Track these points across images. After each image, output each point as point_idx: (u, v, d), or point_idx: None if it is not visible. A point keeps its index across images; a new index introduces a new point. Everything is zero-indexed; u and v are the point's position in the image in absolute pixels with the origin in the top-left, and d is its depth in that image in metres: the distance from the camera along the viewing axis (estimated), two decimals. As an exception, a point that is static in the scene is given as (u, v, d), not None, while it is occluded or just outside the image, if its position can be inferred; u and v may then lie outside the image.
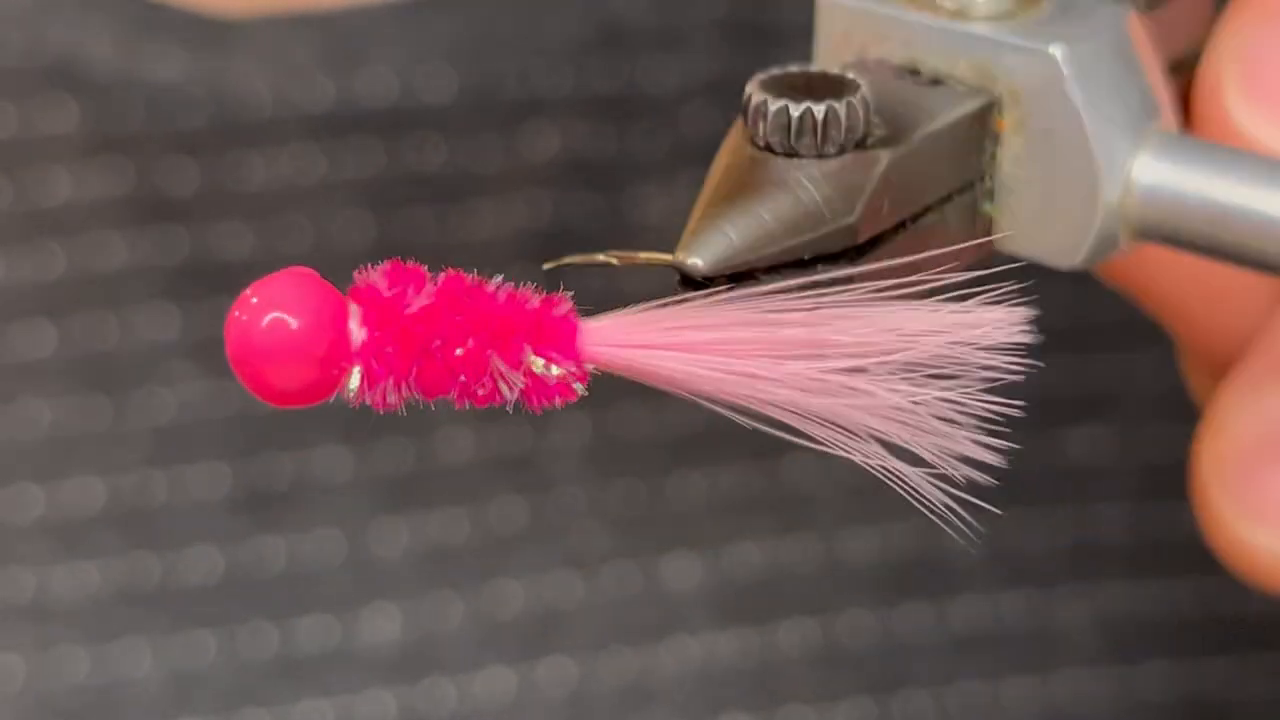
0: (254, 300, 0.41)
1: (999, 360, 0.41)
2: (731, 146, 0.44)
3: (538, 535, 0.65)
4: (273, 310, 0.40)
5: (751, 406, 0.41)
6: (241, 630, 0.64)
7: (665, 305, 0.41)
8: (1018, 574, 0.66)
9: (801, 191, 0.43)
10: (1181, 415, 0.67)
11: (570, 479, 0.65)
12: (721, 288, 0.42)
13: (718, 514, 0.65)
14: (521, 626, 0.64)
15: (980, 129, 0.46)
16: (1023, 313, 0.42)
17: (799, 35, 0.70)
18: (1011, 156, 0.46)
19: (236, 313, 0.40)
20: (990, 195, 0.47)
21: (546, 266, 0.43)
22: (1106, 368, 0.68)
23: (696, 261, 0.42)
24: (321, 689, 0.64)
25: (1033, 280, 0.66)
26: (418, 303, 0.41)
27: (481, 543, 0.65)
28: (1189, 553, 0.66)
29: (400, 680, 0.64)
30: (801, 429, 0.41)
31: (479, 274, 0.67)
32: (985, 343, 0.41)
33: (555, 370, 0.41)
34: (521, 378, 0.41)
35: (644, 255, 0.43)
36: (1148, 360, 0.68)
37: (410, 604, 0.64)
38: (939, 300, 0.41)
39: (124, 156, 0.67)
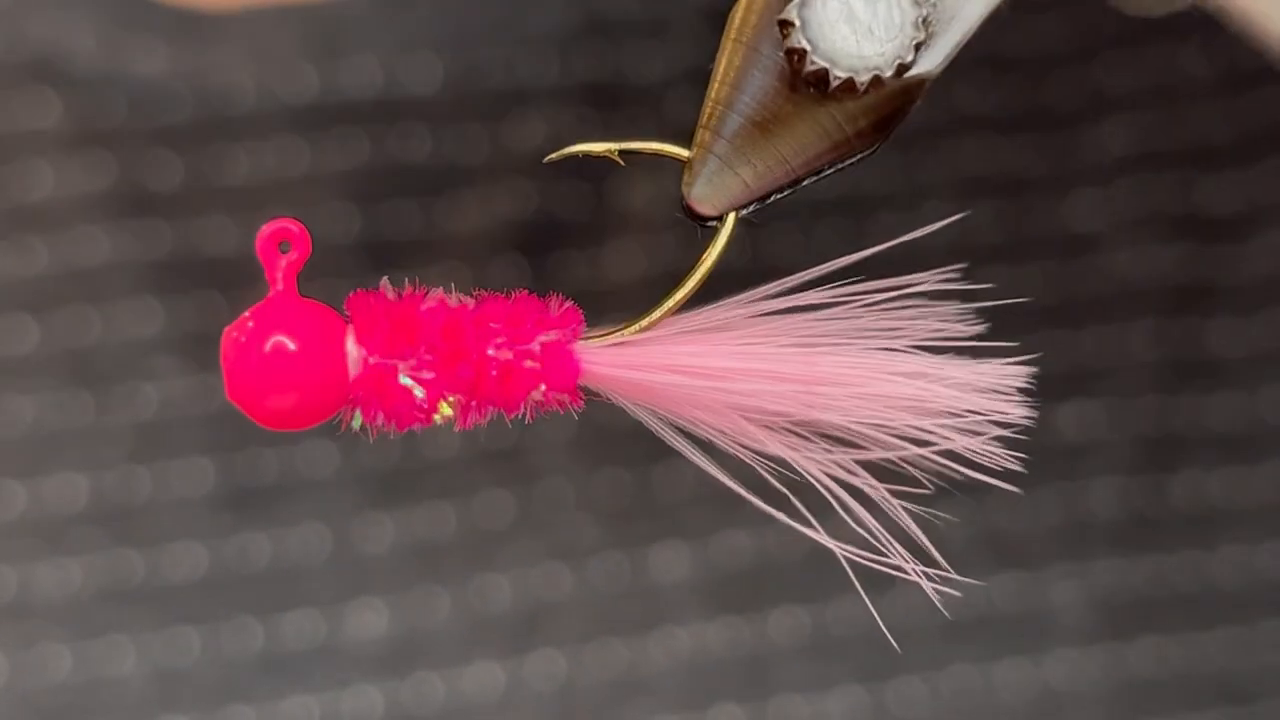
0: (251, 323, 0.40)
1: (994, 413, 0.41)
2: (757, 34, 0.41)
3: (524, 528, 0.64)
4: (274, 334, 0.40)
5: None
6: (226, 626, 0.64)
7: (664, 323, 0.41)
8: (1007, 556, 0.65)
9: (834, 130, 0.40)
10: (1170, 386, 0.67)
11: (556, 471, 0.65)
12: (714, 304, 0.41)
13: (705, 503, 0.65)
14: (509, 620, 0.64)
15: None
16: (1023, 370, 0.41)
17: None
18: None
19: (234, 334, 0.40)
20: None
21: (548, 159, 0.42)
22: (1094, 342, 0.67)
23: (704, 204, 0.41)
24: (307, 685, 0.63)
25: (1019, 257, 0.66)
26: (421, 371, 0.40)
27: (468, 537, 0.65)
28: (1180, 526, 0.66)
29: (387, 676, 0.63)
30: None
31: (465, 265, 0.67)
32: (982, 397, 0.41)
33: (554, 401, 0.41)
34: (523, 411, 0.41)
35: (650, 145, 0.41)
36: (1135, 333, 0.67)
37: (397, 599, 0.64)
38: (936, 346, 0.41)
39: (106, 151, 0.67)
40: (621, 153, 0.42)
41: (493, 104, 0.67)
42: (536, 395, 0.41)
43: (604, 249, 0.67)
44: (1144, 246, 0.67)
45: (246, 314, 0.40)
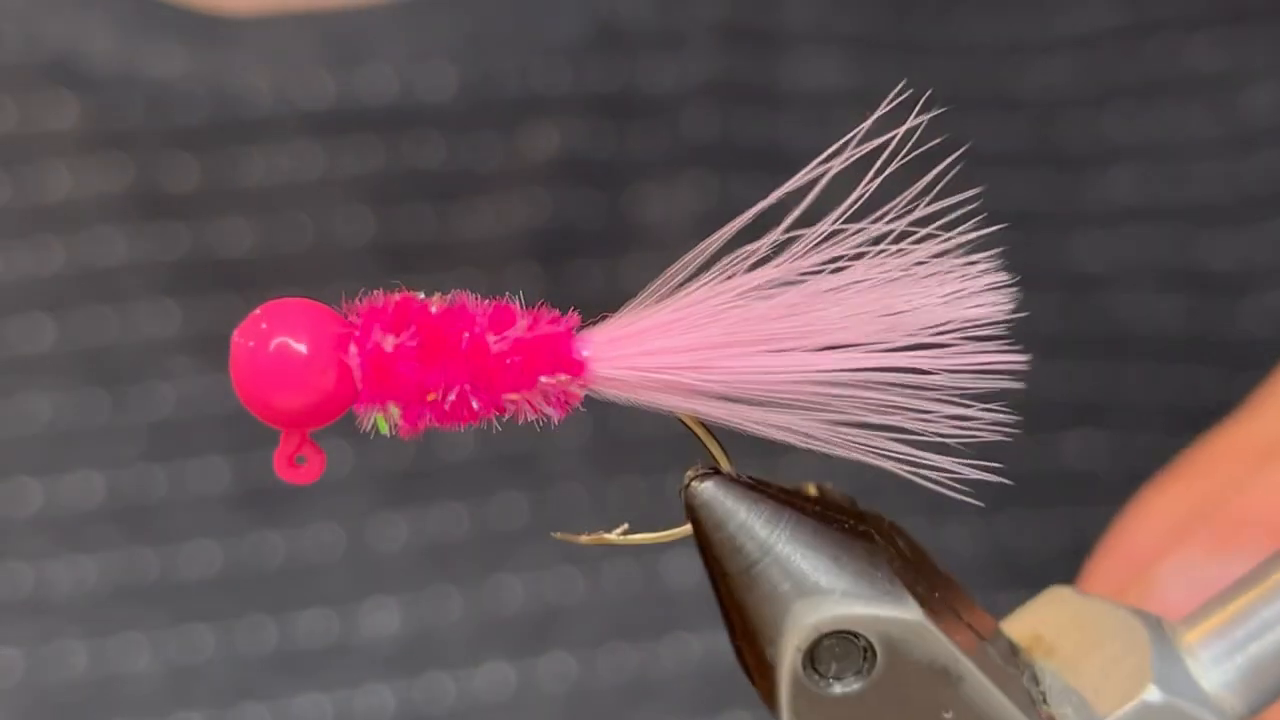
0: (263, 325, 0.40)
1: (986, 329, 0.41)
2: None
3: (538, 531, 0.65)
4: (280, 335, 0.40)
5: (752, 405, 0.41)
6: (240, 625, 0.64)
7: (656, 307, 0.41)
8: (1013, 576, 0.66)
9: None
10: (1170, 424, 0.67)
11: (571, 475, 0.65)
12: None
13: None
14: (521, 622, 0.64)
15: None
16: (998, 265, 0.42)
17: (798, 38, 0.70)
18: None
19: (244, 339, 0.40)
20: None
21: (555, 535, 0.44)
22: (1098, 374, 0.68)
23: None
24: (320, 683, 0.64)
25: (1025, 289, 0.66)
26: (421, 360, 0.40)
27: (481, 538, 0.65)
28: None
29: (399, 675, 0.64)
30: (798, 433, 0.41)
31: (480, 272, 0.67)
32: (969, 305, 0.41)
33: (558, 397, 0.41)
34: (525, 407, 0.41)
35: (661, 535, 0.44)
36: (1132, 375, 0.68)
37: (409, 599, 0.64)
38: (917, 269, 0.41)
39: (124, 152, 0.67)
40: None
41: (507, 112, 0.68)
42: (542, 382, 0.41)
43: (621, 260, 0.67)
44: (1142, 293, 0.68)
45: (257, 313, 0.41)
